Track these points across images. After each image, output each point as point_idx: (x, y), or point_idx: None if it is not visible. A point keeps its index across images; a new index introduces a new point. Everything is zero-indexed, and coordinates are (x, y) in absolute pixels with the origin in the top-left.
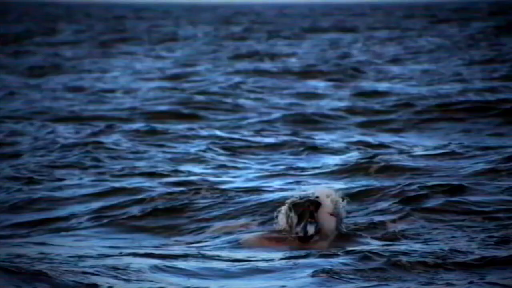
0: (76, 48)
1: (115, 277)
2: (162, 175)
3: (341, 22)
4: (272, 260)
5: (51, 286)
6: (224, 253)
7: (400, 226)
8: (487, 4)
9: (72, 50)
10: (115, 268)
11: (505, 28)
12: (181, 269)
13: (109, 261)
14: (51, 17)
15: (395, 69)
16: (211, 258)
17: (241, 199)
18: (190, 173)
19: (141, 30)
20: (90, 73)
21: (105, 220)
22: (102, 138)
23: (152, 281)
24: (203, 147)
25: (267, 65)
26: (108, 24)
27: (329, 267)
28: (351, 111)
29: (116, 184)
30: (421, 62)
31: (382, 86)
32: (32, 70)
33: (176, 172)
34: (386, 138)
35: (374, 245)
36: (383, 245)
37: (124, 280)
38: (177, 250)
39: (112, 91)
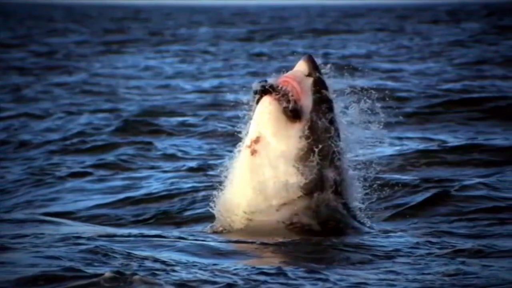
0: (81, 48)
1: (122, 254)
2: (168, 171)
3: (337, 23)
4: (254, 242)
5: (61, 263)
6: (217, 236)
7: (384, 222)
8: (480, 6)
9: (77, 50)
10: (120, 247)
11: (498, 29)
12: (178, 248)
13: (114, 243)
14: (53, 19)
15: (389, 67)
16: (205, 240)
17: None
18: (194, 169)
19: (143, 32)
20: (96, 72)
21: (112, 213)
22: (115, 136)
23: (151, 259)
24: (209, 144)
25: (266, 65)
26: (109, 25)
27: (300, 258)
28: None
29: (126, 180)
30: (415, 61)
31: (376, 84)
32: (39, 70)
33: (181, 167)
34: (379, 134)
35: (355, 239)
36: (362, 239)
37: (127, 257)
38: (175, 234)
39: (120, 89)
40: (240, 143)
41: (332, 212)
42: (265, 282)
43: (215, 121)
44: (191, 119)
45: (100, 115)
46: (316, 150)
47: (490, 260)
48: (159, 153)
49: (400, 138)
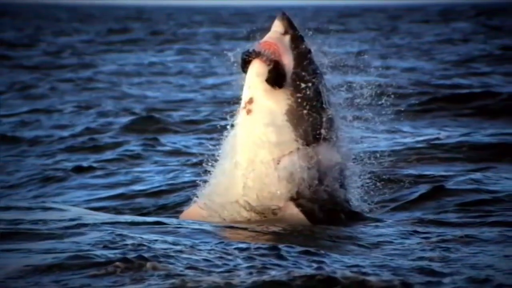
0: (87, 47)
1: (132, 240)
2: (172, 166)
3: (332, 23)
4: (252, 226)
5: (72, 250)
6: (217, 221)
7: (376, 214)
8: (469, 6)
9: (83, 49)
10: (128, 234)
11: (486, 28)
12: (178, 233)
13: (120, 229)
14: (59, 19)
15: (381, 65)
16: (202, 225)
17: None
18: (198, 164)
19: (146, 31)
20: (101, 70)
21: (114, 206)
22: (120, 133)
23: (159, 244)
24: (211, 140)
25: None
26: (113, 25)
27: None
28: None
29: (131, 175)
30: (406, 59)
31: (369, 80)
32: (47, 68)
33: (186, 162)
34: (369, 130)
35: (349, 226)
36: (356, 227)
37: (136, 243)
38: (175, 222)
39: (124, 86)
40: (233, 118)
41: (330, 194)
42: (265, 264)
43: (217, 117)
44: (193, 116)
45: (106, 112)
46: (306, 103)
47: (476, 248)
48: (163, 148)
49: (392, 133)
